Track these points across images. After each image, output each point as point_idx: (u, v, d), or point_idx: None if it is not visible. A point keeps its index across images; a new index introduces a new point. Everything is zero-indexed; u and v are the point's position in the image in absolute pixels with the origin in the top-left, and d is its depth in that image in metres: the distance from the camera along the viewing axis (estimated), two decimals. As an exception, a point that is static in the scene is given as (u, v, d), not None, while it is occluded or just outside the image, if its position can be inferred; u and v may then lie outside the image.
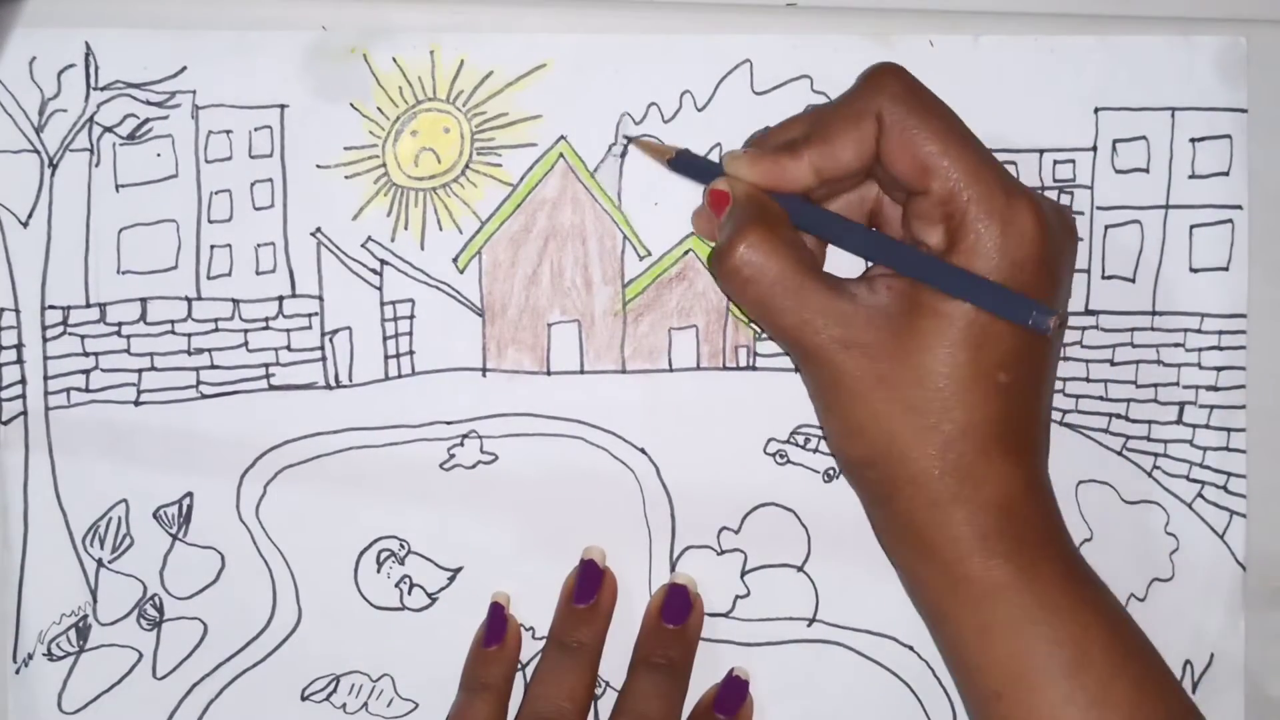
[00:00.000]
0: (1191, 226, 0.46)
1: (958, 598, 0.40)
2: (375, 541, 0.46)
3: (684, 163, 0.44)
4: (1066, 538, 0.41)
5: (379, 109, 0.45)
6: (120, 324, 0.44)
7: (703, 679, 0.46)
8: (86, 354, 0.44)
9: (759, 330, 0.46)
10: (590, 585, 0.45)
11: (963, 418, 0.39)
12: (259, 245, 0.45)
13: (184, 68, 0.44)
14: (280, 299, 0.45)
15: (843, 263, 0.44)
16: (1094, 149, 0.46)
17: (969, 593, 0.39)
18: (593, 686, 0.44)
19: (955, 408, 0.39)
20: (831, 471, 0.46)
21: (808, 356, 0.40)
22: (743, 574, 0.46)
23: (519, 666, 0.46)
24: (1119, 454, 0.46)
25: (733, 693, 0.45)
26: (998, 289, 0.38)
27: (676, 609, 0.45)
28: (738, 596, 0.46)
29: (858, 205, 0.43)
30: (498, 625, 0.45)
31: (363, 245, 0.45)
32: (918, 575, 0.41)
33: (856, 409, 0.40)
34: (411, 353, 0.45)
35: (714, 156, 0.45)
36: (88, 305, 0.44)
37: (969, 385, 0.39)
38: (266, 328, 0.45)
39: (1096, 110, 0.45)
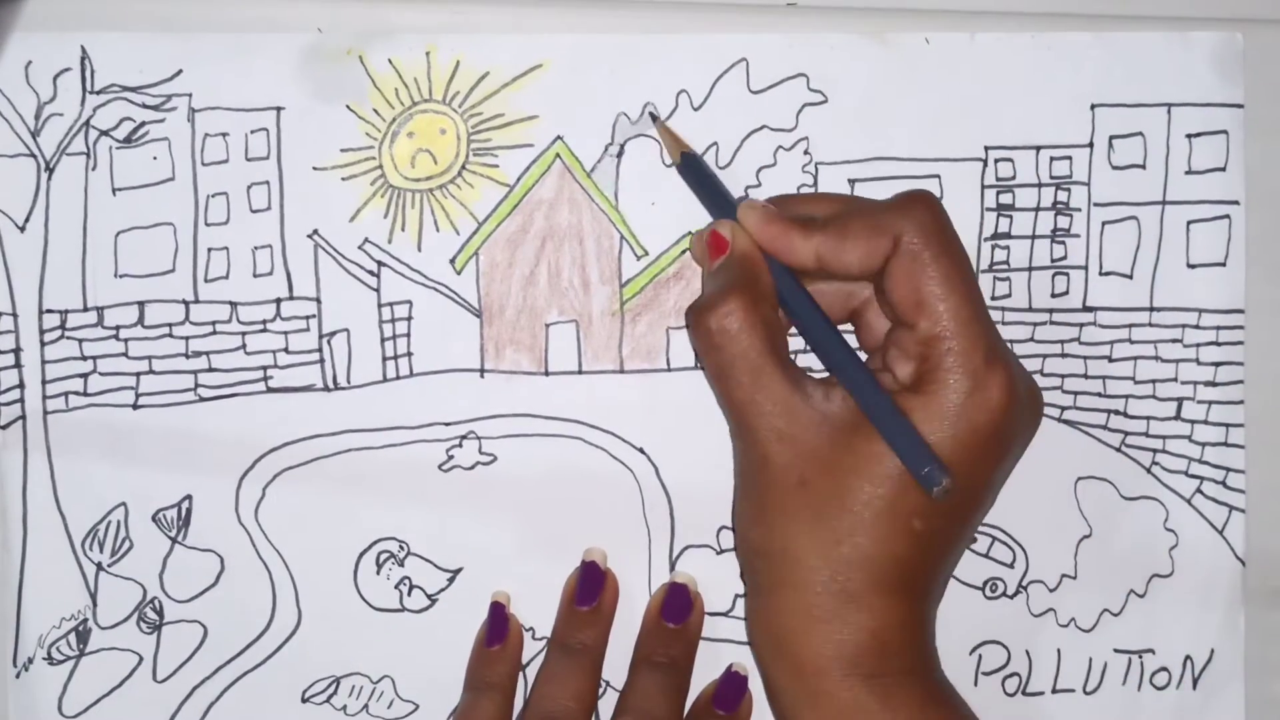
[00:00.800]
0: (1189, 222, 0.46)
1: (815, 710, 0.40)
2: (375, 543, 0.46)
3: (691, 169, 0.43)
4: (934, 665, 0.41)
5: (375, 111, 0.45)
6: (118, 327, 0.44)
7: (703, 678, 0.46)
8: (84, 358, 0.44)
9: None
10: (592, 587, 0.45)
11: (866, 548, 0.39)
12: (256, 248, 0.45)
13: (180, 71, 0.44)
14: (278, 301, 0.45)
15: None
16: (1090, 145, 0.46)
17: (826, 708, 0.39)
18: (597, 687, 0.44)
19: (861, 536, 0.39)
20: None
21: (744, 434, 0.40)
22: (742, 573, 0.46)
23: (521, 667, 0.46)
24: (1117, 450, 0.46)
25: (732, 688, 0.45)
26: (913, 438, 0.38)
27: (677, 608, 0.45)
28: (738, 595, 0.46)
29: (845, 297, 0.43)
30: (499, 625, 0.45)
31: (360, 247, 0.45)
32: (777, 679, 0.41)
33: (770, 499, 0.40)
34: (409, 354, 0.45)
35: (711, 156, 0.45)
36: (85, 309, 0.44)
37: (882, 521, 0.39)
38: (264, 330, 0.45)
39: (1093, 106, 0.45)
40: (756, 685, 0.45)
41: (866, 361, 0.42)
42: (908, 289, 0.39)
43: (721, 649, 0.46)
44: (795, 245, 0.40)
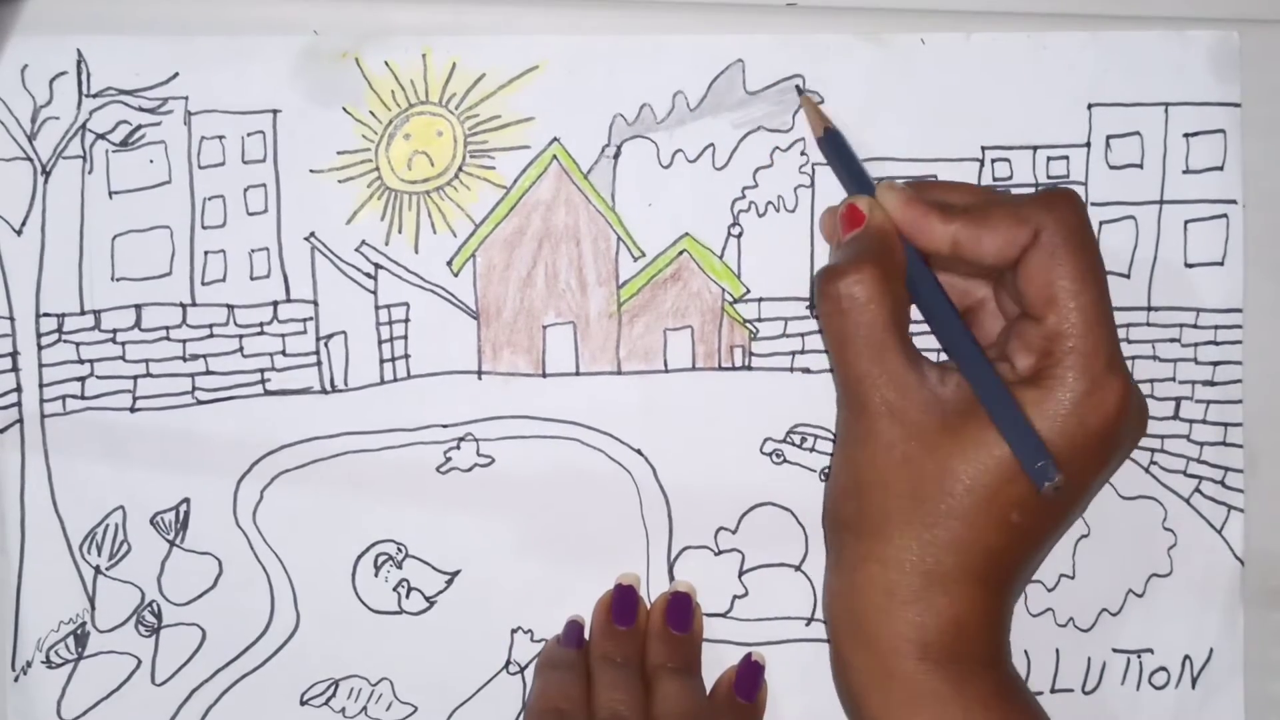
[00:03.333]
0: (1186, 221, 0.46)
1: (886, 692, 0.40)
2: (373, 545, 0.46)
3: (832, 144, 0.44)
4: (1006, 658, 0.41)
5: (371, 113, 0.44)
6: (115, 331, 0.44)
7: (704, 678, 0.46)
8: (81, 361, 0.44)
9: (754, 329, 0.46)
10: (629, 608, 0.45)
11: (960, 533, 0.39)
12: (253, 251, 0.45)
13: (176, 74, 0.44)
14: (275, 304, 0.45)
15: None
16: (1088, 145, 0.46)
17: (898, 690, 0.39)
18: (644, 698, 0.44)
19: (958, 521, 0.39)
20: (828, 470, 0.46)
21: (855, 405, 0.40)
22: (740, 574, 0.46)
23: (519, 669, 0.46)
24: (1116, 450, 0.46)
25: (750, 676, 0.45)
26: (1028, 433, 0.38)
27: (682, 616, 0.45)
28: (736, 596, 0.46)
29: (960, 295, 0.43)
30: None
31: (357, 249, 0.45)
32: (850, 654, 0.41)
33: (869, 473, 0.40)
34: (407, 356, 0.45)
35: (708, 157, 0.45)
36: (82, 312, 0.44)
37: (980, 509, 0.39)
38: (261, 333, 0.45)
39: (1090, 106, 0.45)
40: (771, 676, 0.45)
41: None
42: (1042, 283, 0.39)
43: (720, 650, 0.46)
44: (934, 228, 0.40)
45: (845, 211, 0.42)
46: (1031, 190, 0.45)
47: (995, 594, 0.40)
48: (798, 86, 0.45)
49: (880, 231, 0.41)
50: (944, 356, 0.42)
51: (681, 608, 0.45)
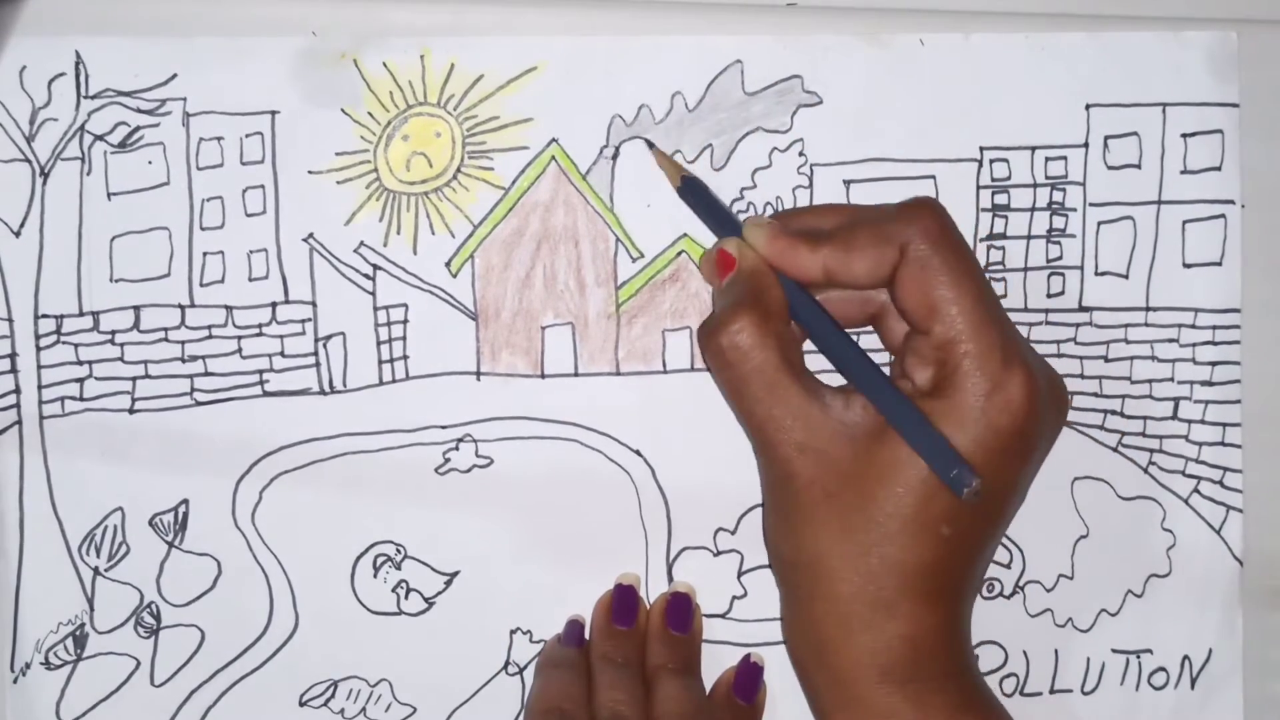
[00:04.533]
0: (1184, 222, 0.46)
1: (848, 715, 0.40)
2: (371, 546, 0.46)
3: (692, 191, 0.43)
4: (969, 670, 0.41)
5: (370, 114, 0.44)
6: (114, 332, 0.44)
7: (705, 679, 0.46)
8: (80, 362, 0.44)
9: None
10: (630, 608, 0.45)
11: (895, 556, 0.39)
12: (251, 252, 0.45)
13: (174, 75, 0.44)
14: (273, 305, 0.45)
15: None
16: (1086, 145, 0.46)
17: (862, 712, 0.40)
18: (645, 698, 0.44)
19: (889, 545, 0.39)
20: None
21: (766, 450, 0.40)
22: (739, 575, 0.46)
23: (518, 670, 0.46)
24: (1114, 450, 0.46)
25: (749, 676, 0.46)
26: (938, 442, 0.38)
27: (681, 617, 0.45)
28: (735, 597, 0.46)
29: (863, 302, 0.42)
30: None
31: (355, 250, 0.45)
32: (814, 682, 0.41)
33: (796, 515, 0.40)
34: (405, 357, 0.45)
35: (706, 158, 0.45)
36: (81, 314, 0.44)
37: (910, 529, 0.39)
38: (260, 334, 0.45)
39: (1088, 106, 0.45)
40: (770, 676, 0.45)
41: (885, 369, 0.42)
42: (919, 296, 0.39)
43: (719, 651, 0.46)
44: (802, 259, 0.40)
45: (716, 257, 0.41)
46: (1033, 193, 0.45)
47: (944, 607, 0.40)
48: (647, 142, 0.44)
49: (753, 272, 0.41)
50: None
51: (681, 608, 0.45)
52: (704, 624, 0.46)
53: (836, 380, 0.41)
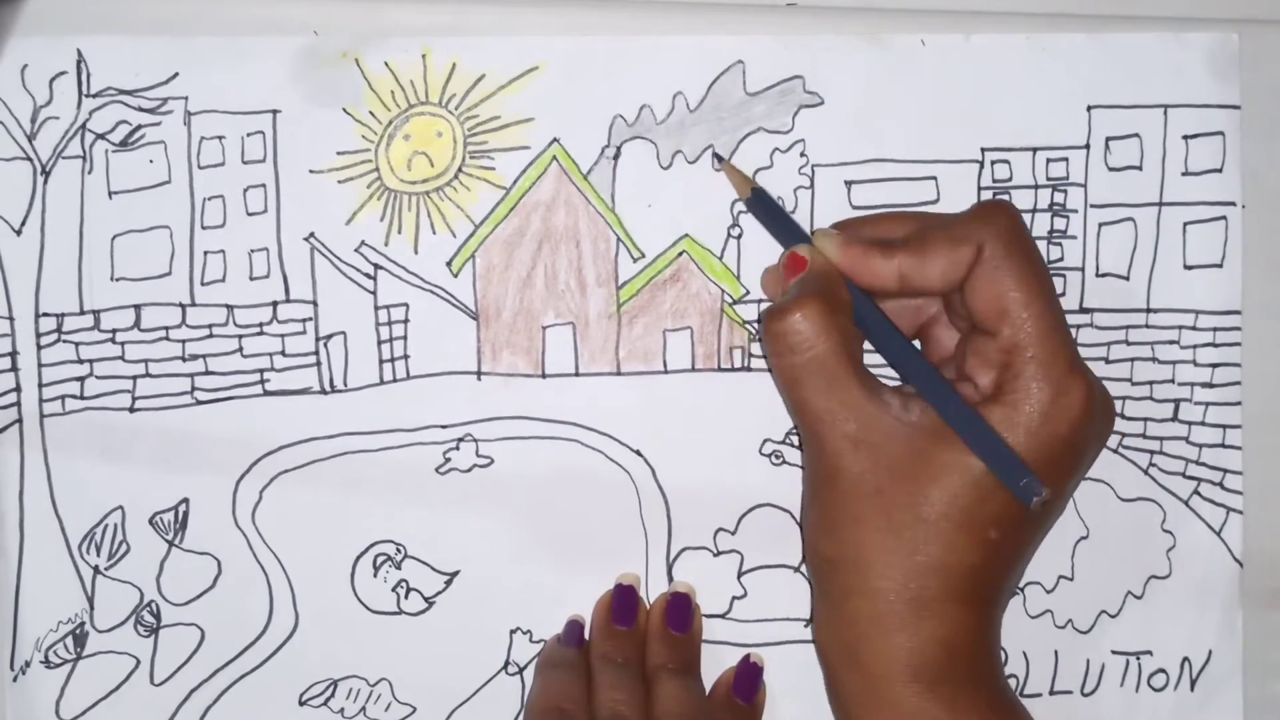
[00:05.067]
0: (1185, 223, 0.46)
1: (877, 716, 0.40)
2: (372, 546, 0.46)
3: (760, 204, 0.44)
4: (998, 676, 0.41)
5: (371, 113, 0.44)
6: (114, 331, 0.44)
7: (705, 679, 0.46)
8: (81, 361, 0.44)
9: (754, 331, 0.46)
10: (630, 609, 0.45)
11: (941, 557, 0.39)
12: (252, 251, 0.45)
13: (176, 74, 0.44)
14: (274, 304, 0.45)
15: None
16: (1087, 147, 0.46)
17: (890, 714, 0.39)
18: (645, 698, 0.44)
19: (936, 544, 0.39)
20: (827, 472, 0.46)
21: (817, 444, 0.40)
22: (739, 575, 0.46)
23: (518, 669, 0.46)
24: (1114, 451, 0.46)
25: (748, 677, 0.45)
26: (1006, 453, 0.38)
27: (681, 617, 0.45)
28: (734, 597, 0.46)
29: (913, 313, 0.43)
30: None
31: (356, 250, 0.45)
32: (843, 681, 0.41)
33: (841, 509, 0.40)
34: (406, 357, 0.45)
35: (705, 159, 0.45)
36: (81, 312, 0.44)
37: (959, 531, 0.39)
38: (261, 333, 0.45)
39: (1089, 108, 0.45)
40: (769, 676, 0.45)
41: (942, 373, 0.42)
42: (991, 297, 0.39)
43: (719, 651, 0.46)
44: (877, 266, 0.40)
45: (787, 260, 0.42)
46: (1030, 193, 0.45)
47: (981, 612, 0.40)
48: (716, 154, 0.45)
49: (823, 273, 0.41)
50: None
51: (681, 608, 0.45)
52: (704, 624, 0.46)
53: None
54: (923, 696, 0.39)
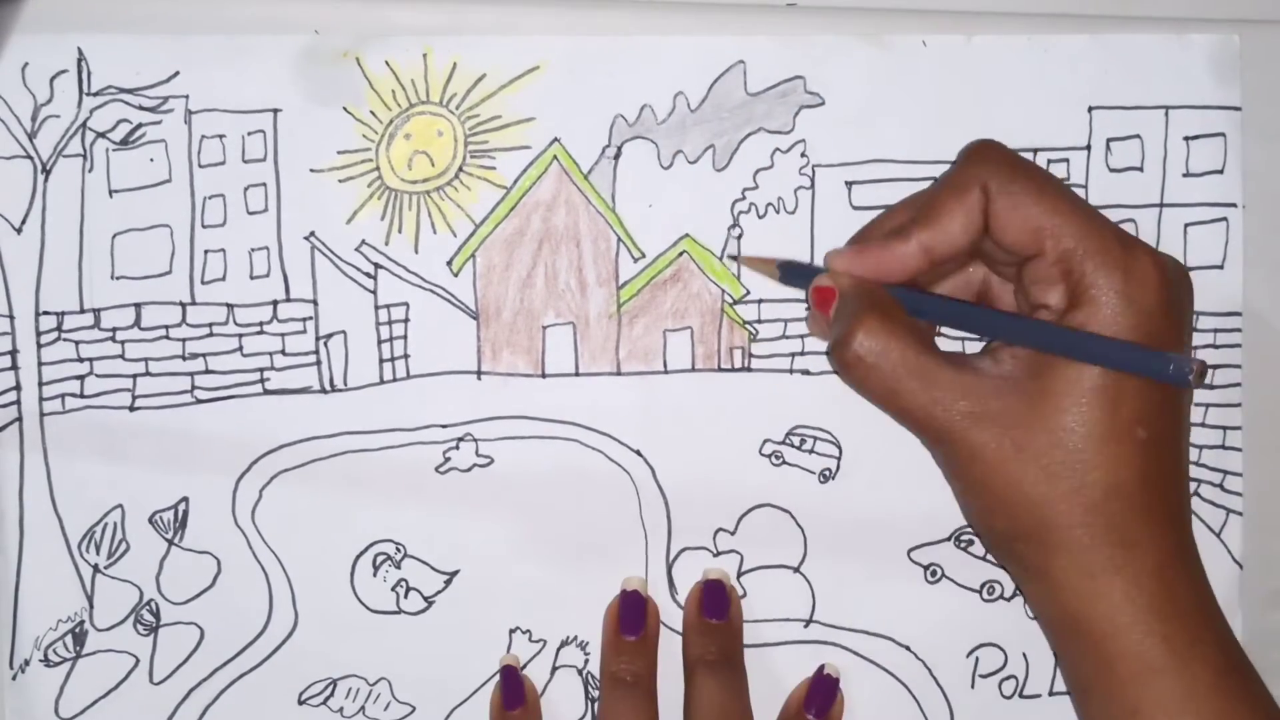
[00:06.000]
0: (1186, 225, 0.46)
1: (1109, 675, 0.39)
2: (371, 545, 0.46)
3: (791, 272, 0.44)
4: (1221, 617, 0.40)
5: (372, 112, 0.44)
6: (114, 329, 0.44)
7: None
8: (81, 359, 0.44)
9: (754, 331, 0.46)
10: (637, 616, 0.45)
11: (1105, 478, 0.38)
12: (253, 250, 0.45)
13: (176, 73, 0.44)
14: (274, 303, 0.45)
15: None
16: (1088, 148, 0.46)
17: (1121, 671, 0.38)
18: (657, 715, 0.44)
19: (1096, 468, 0.38)
20: (827, 472, 0.46)
21: (940, 436, 0.40)
22: (739, 575, 0.46)
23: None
24: (1115, 453, 0.46)
25: (823, 690, 0.45)
26: (1130, 348, 0.38)
27: (716, 604, 0.45)
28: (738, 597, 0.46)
29: (964, 289, 0.43)
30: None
31: (357, 249, 0.45)
32: (1070, 649, 0.40)
33: (996, 481, 0.39)
34: (406, 356, 0.45)
35: (708, 159, 0.45)
36: (82, 311, 0.44)
37: (1108, 443, 0.38)
38: (261, 332, 0.45)
39: (1090, 109, 0.45)
40: (754, 690, 0.45)
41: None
42: (1018, 223, 0.39)
43: (718, 651, 0.46)
44: (898, 254, 0.40)
45: (814, 297, 0.41)
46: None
47: (1173, 526, 0.39)
48: (731, 256, 0.45)
49: (855, 288, 0.41)
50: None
51: (716, 595, 0.45)
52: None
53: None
54: (1153, 650, 0.38)
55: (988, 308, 0.41)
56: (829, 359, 0.41)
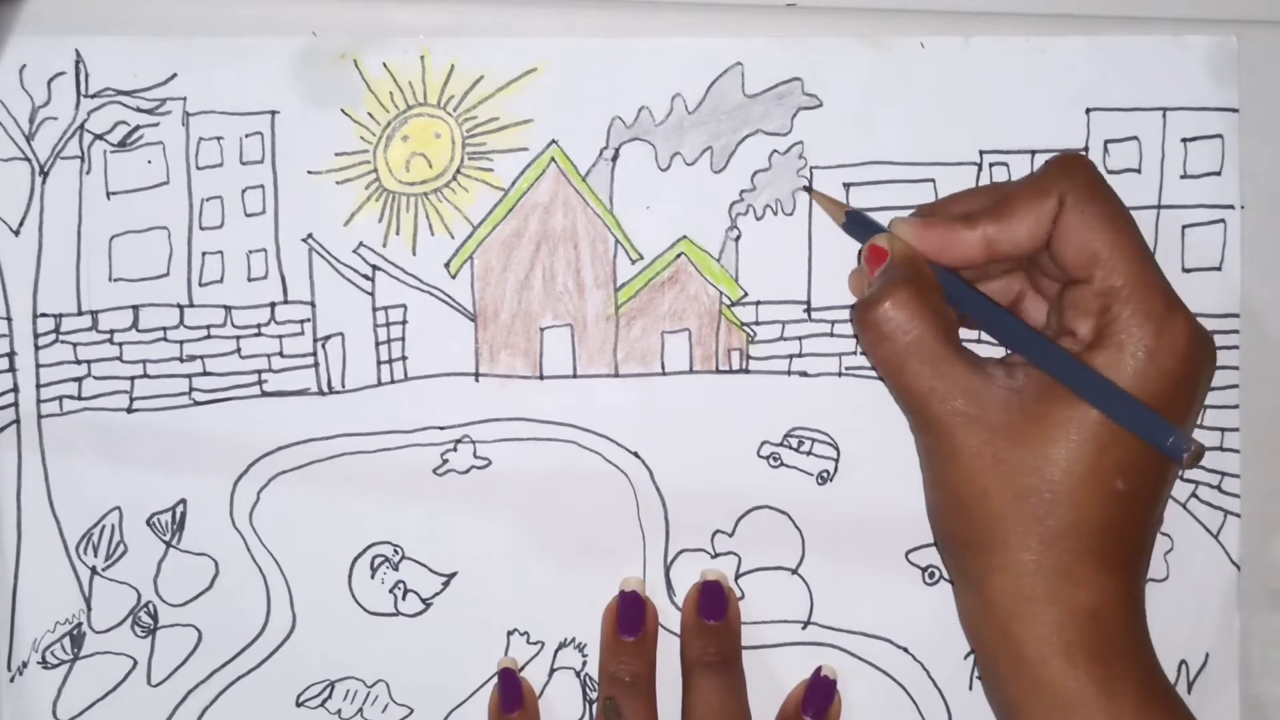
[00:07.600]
0: (1184, 226, 0.46)
1: (1034, 700, 0.39)
2: (369, 547, 0.46)
3: (856, 222, 0.43)
4: (1150, 653, 0.40)
5: (370, 114, 0.44)
6: (112, 331, 0.44)
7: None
8: (79, 361, 0.44)
9: (752, 332, 0.46)
10: (635, 617, 0.45)
11: (1071, 516, 0.38)
12: (250, 252, 0.45)
13: (174, 74, 0.44)
14: (272, 305, 0.45)
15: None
16: (1085, 149, 0.45)
17: (1047, 698, 0.39)
18: (656, 715, 0.44)
19: (1064, 504, 0.38)
20: (825, 474, 0.46)
21: (929, 425, 0.40)
22: (737, 577, 0.46)
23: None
24: (1113, 454, 0.46)
25: (820, 692, 0.45)
26: (1141, 409, 0.38)
27: (714, 605, 0.45)
28: (732, 599, 0.46)
29: (1001, 296, 0.43)
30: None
31: (354, 251, 0.45)
32: (996, 668, 0.40)
33: (965, 486, 0.39)
34: (404, 358, 0.45)
35: (706, 160, 0.45)
36: (79, 313, 0.44)
37: (1085, 486, 0.38)
38: (259, 334, 0.45)
39: (1088, 111, 0.45)
40: (752, 691, 0.45)
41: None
42: (1080, 244, 0.39)
43: (716, 653, 0.46)
44: (961, 239, 0.40)
45: (868, 253, 0.42)
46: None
47: (1123, 575, 0.39)
48: (806, 188, 0.45)
49: (905, 258, 0.41)
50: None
51: (714, 595, 0.45)
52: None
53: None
54: (1079, 679, 0.38)
55: (1017, 319, 0.41)
56: (850, 312, 0.41)
